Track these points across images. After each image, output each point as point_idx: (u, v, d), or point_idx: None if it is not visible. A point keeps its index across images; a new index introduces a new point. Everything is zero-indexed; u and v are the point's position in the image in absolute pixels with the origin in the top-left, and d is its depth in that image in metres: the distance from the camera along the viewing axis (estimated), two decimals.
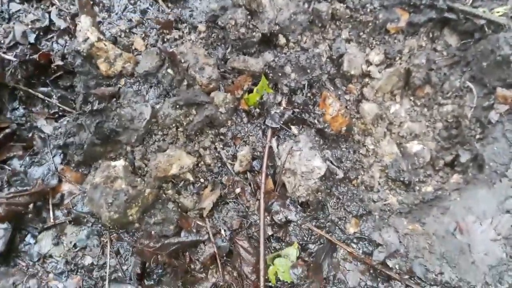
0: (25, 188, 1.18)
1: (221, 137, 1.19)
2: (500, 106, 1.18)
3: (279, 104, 1.19)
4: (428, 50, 1.26)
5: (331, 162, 1.15)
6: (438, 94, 1.27)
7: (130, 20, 1.28)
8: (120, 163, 1.13)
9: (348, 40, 1.25)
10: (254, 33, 1.16)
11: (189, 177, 1.15)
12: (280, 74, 1.18)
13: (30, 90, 1.28)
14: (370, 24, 1.24)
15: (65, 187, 1.22)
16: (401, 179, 1.22)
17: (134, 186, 1.09)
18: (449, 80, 1.25)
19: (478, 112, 1.21)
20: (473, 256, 1.08)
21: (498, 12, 1.20)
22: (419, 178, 1.24)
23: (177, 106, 1.10)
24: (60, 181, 1.21)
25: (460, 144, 1.24)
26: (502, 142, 1.17)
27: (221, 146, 1.19)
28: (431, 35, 1.28)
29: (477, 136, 1.21)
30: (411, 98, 1.29)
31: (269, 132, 1.18)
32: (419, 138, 1.27)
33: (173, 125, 1.13)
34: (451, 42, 1.28)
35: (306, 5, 1.23)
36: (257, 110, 1.21)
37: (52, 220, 1.19)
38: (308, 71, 1.17)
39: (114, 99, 1.19)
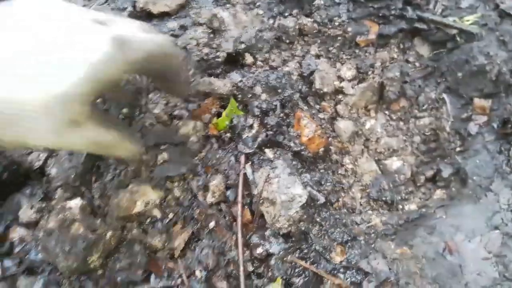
0: None
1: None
2: (478, 117, 1.14)
3: (251, 127, 1.10)
4: (401, 62, 1.22)
5: (312, 187, 1.07)
6: (414, 107, 1.22)
7: None
8: (76, 202, 1.00)
9: (317, 56, 1.18)
10: (218, 53, 1.08)
11: (156, 213, 1.04)
12: (250, 96, 1.09)
13: None
14: (339, 38, 1.19)
15: (15, 234, 1.07)
16: (383, 198, 1.16)
17: (94, 230, 0.96)
18: (424, 92, 1.21)
19: (457, 124, 1.17)
20: (466, 278, 1.02)
21: (468, 20, 1.17)
22: (401, 196, 1.18)
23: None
24: (7, 227, 1.07)
25: (440, 158, 1.19)
26: (484, 154, 1.13)
27: (191, 176, 1.08)
28: (402, 46, 1.24)
29: (457, 149, 1.16)
30: (386, 112, 1.24)
31: (242, 158, 1.09)
32: (397, 153, 1.22)
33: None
34: (422, 53, 1.24)
35: (271, 21, 1.16)
36: (228, 134, 1.11)
37: (0, 274, 1.04)
38: (279, 90, 1.09)
39: None
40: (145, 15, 1.17)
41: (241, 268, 1.01)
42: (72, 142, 0.66)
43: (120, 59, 0.64)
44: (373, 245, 1.08)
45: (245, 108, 1.13)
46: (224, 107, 1.12)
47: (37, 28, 0.61)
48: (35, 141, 0.64)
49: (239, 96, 1.11)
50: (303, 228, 1.03)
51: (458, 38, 1.16)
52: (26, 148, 0.67)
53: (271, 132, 1.10)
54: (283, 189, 1.01)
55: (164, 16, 1.16)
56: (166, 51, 0.74)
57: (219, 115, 1.12)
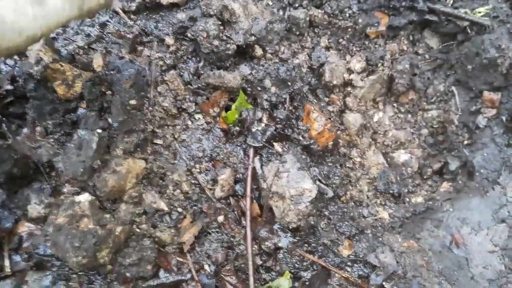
0: None
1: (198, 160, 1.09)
2: (487, 110, 1.13)
3: (260, 120, 1.09)
4: (410, 54, 1.20)
5: (320, 181, 1.07)
6: (422, 100, 1.21)
7: (88, 35, 1.13)
8: (85, 197, 0.99)
9: (327, 48, 1.17)
10: (228, 45, 1.06)
11: (163, 206, 1.04)
12: (259, 89, 1.08)
13: None
14: (349, 29, 1.17)
15: (24, 228, 1.07)
16: (390, 191, 1.16)
17: (103, 225, 0.97)
18: (433, 85, 1.20)
19: (465, 117, 1.16)
20: (472, 271, 1.03)
21: (480, 12, 1.15)
22: (408, 189, 1.19)
23: None
24: (16, 222, 1.06)
25: (447, 151, 1.19)
26: (492, 147, 1.13)
27: (198, 170, 1.08)
28: (411, 38, 1.23)
29: (465, 142, 1.16)
30: (395, 105, 1.23)
31: (251, 152, 1.08)
32: (404, 146, 1.22)
33: None
34: (432, 45, 1.23)
35: (281, 13, 1.14)
36: (237, 128, 1.10)
37: (9, 269, 1.04)
38: (289, 83, 1.08)
39: None
40: (154, 6, 1.14)
41: (250, 262, 1.01)
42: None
43: None
44: (380, 239, 1.09)
45: (254, 101, 1.12)
46: (233, 100, 1.11)
47: None
48: None
49: (249, 89, 1.10)
50: (312, 223, 1.03)
51: (469, 30, 1.15)
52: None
53: (280, 126, 1.09)
54: (293, 183, 1.01)
55: (173, 7, 1.14)
56: None
57: (227, 108, 1.11)
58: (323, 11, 1.14)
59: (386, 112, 1.22)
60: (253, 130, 1.08)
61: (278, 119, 1.09)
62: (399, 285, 1.02)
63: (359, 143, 1.19)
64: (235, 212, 1.07)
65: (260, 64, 1.10)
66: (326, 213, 1.09)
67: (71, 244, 0.95)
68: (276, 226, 1.05)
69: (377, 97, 1.20)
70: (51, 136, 1.09)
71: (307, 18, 1.12)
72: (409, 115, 1.22)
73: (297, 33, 1.13)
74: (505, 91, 1.12)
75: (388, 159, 1.20)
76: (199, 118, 1.10)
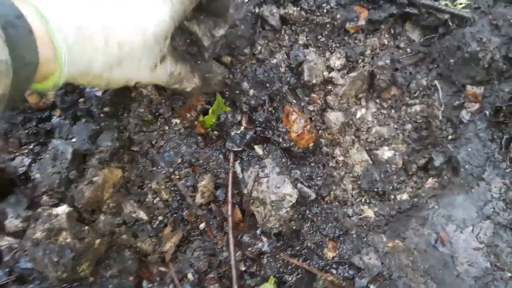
0: None
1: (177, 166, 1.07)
2: (470, 104, 1.12)
3: (239, 123, 1.07)
4: (392, 48, 1.18)
5: (302, 183, 1.05)
6: (405, 95, 1.19)
7: None
8: (63, 209, 0.97)
9: (306, 45, 1.14)
10: None
11: (142, 215, 1.02)
12: (237, 92, 1.06)
13: None
14: (328, 25, 1.14)
15: (3, 243, 1.05)
16: (375, 189, 1.14)
17: (82, 238, 0.95)
18: (416, 79, 1.17)
19: (449, 112, 1.14)
20: (458, 269, 1.02)
21: (461, 3, 1.12)
22: (393, 186, 1.17)
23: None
24: None
25: (432, 146, 1.17)
26: (476, 142, 1.11)
27: (178, 177, 1.06)
28: (392, 31, 1.20)
29: (449, 137, 1.14)
30: (377, 100, 1.20)
31: (231, 156, 1.06)
32: (388, 142, 1.20)
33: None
34: (414, 38, 1.20)
35: (257, 10, 1.11)
36: (215, 132, 1.08)
37: None
38: (268, 85, 1.06)
39: None
40: None
41: (234, 269, 1.00)
42: (159, 75, 0.79)
43: None
44: (365, 239, 1.08)
45: (232, 104, 1.09)
46: (210, 103, 1.09)
47: None
48: (137, 77, 0.75)
49: (227, 92, 1.07)
50: (294, 227, 1.02)
51: (450, 23, 1.12)
52: (126, 84, 0.74)
53: (259, 128, 1.07)
54: (273, 188, 0.99)
55: None
56: None
57: (205, 112, 1.09)
58: (299, 8, 1.10)
59: (369, 109, 1.20)
60: (232, 134, 1.06)
61: (257, 122, 1.07)
62: (385, 286, 1.01)
63: (342, 141, 1.17)
64: (217, 219, 1.05)
65: (236, 66, 1.07)
66: (310, 215, 1.07)
67: (49, 259, 0.93)
68: (258, 231, 1.04)
69: (359, 94, 1.18)
70: (25, 146, 1.07)
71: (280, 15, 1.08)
72: (392, 111, 1.20)
73: (273, 31, 1.10)
74: (488, 85, 1.10)
75: (372, 156, 1.19)
76: (176, 123, 1.08)
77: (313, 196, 1.06)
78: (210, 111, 1.07)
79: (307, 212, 1.07)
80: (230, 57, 1.07)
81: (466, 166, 1.10)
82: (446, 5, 1.11)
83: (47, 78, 0.61)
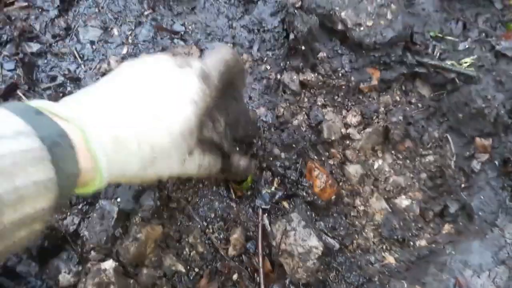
0: None
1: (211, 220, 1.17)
2: (480, 155, 1.20)
3: (271, 183, 1.17)
4: (404, 104, 1.28)
5: (326, 234, 1.14)
6: (419, 146, 1.28)
7: None
8: (109, 264, 1.08)
9: (324, 106, 1.25)
10: None
11: (181, 268, 1.12)
12: (271, 159, 1.17)
13: None
14: (343, 87, 1.25)
15: None
16: (395, 236, 1.22)
17: None
18: (428, 132, 1.26)
19: (460, 161, 1.23)
20: None
21: (466, 62, 1.22)
22: (412, 232, 1.25)
23: None
24: None
25: (447, 193, 1.25)
26: (488, 190, 1.19)
27: (211, 230, 1.16)
28: (404, 88, 1.30)
29: (462, 185, 1.22)
30: (393, 152, 1.30)
31: (260, 211, 1.16)
32: (405, 190, 1.28)
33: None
34: (424, 93, 1.30)
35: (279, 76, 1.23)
36: (248, 192, 1.19)
37: None
38: (294, 145, 1.16)
39: None
40: None
41: None
42: (188, 168, 0.83)
43: (208, 89, 0.79)
44: (387, 285, 1.15)
45: (267, 168, 1.20)
46: None
47: (147, 82, 0.76)
48: (168, 173, 0.80)
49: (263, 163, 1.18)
50: (320, 278, 1.10)
51: (457, 80, 1.22)
52: (158, 179, 0.82)
53: (288, 186, 1.17)
54: (300, 241, 1.08)
55: None
56: (229, 61, 0.86)
57: None
58: (316, 73, 1.22)
59: (385, 160, 1.29)
60: (263, 192, 1.16)
61: (287, 181, 1.17)
62: None
63: (362, 192, 1.26)
64: (248, 269, 1.14)
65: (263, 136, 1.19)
66: (335, 264, 1.15)
67: None
68: (287, 281, 1.12)
69: (375, 146, 1.28)
70: (75, 206, 1.19)
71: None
72: (408, 161, 1.29)
73: (293, 95, 1.22)
74: (496, 136, 1.18)
75: (391, 205, 1.27)
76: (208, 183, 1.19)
77: (337, 246, 1.15)
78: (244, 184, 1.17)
79: (332, 261, 1.15)
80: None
81: (480, 213, 1.17)
82: (452, 64, 1.22)
83: (88, 184, 0.65)
